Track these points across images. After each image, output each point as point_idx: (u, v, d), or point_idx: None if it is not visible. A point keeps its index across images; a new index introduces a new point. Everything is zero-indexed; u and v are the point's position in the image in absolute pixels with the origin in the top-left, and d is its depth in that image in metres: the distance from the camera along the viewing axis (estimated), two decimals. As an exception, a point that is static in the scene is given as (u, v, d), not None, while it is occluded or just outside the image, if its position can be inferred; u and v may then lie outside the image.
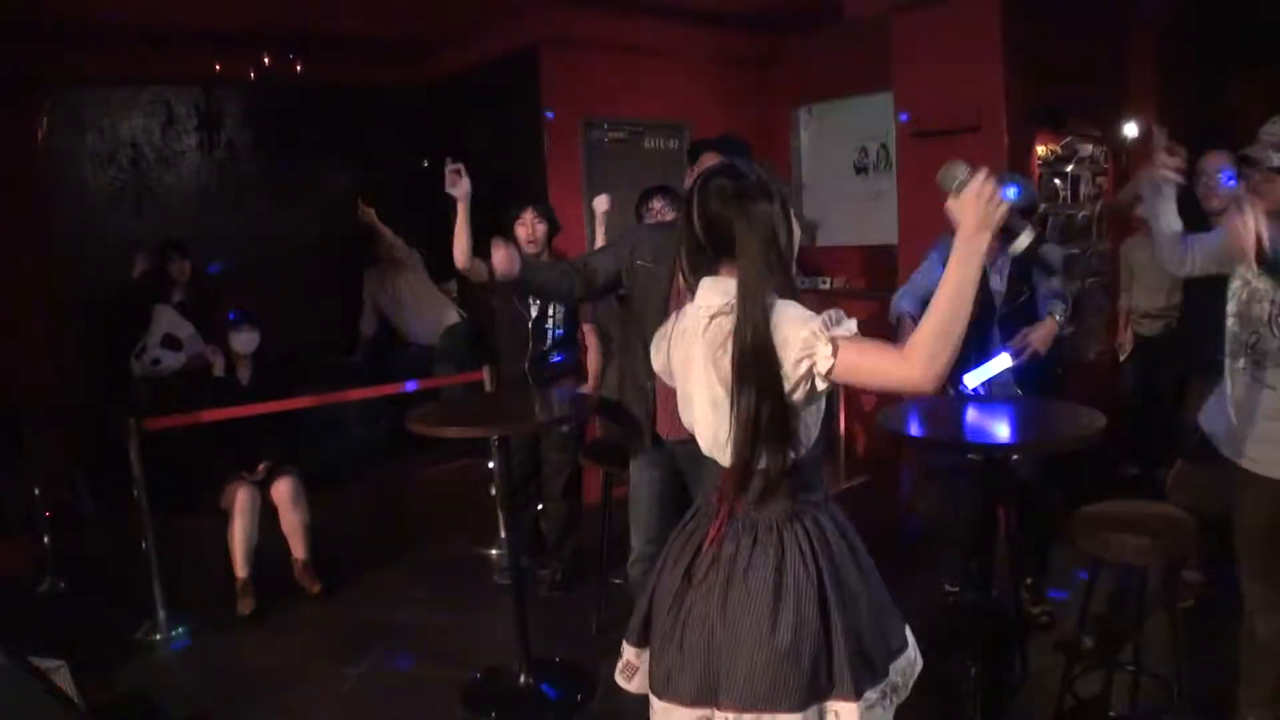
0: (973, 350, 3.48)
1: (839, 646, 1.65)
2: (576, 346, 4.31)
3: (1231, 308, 2.58)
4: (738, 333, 1.65)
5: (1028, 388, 3.52)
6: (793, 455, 1.69)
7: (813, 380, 1.64)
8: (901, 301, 3.59)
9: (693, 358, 1.76)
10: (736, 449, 1.69)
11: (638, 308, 3.06)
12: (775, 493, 1.72)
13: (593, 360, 4.31)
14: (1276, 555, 2.54)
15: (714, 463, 1.79)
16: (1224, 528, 2.63)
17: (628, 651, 1.92)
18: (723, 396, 1.69)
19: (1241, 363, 2.56)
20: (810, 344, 1.61)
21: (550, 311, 4.18)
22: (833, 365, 1.61)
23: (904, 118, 5.07)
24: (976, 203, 1.57)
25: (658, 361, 1.93)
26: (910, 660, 1.83)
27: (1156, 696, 2.87)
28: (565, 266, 3.08)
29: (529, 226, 4.07)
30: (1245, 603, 2.61)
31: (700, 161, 2.97)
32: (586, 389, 4.23)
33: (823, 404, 1.74)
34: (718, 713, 1.67)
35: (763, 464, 1.69)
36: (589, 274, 2.98)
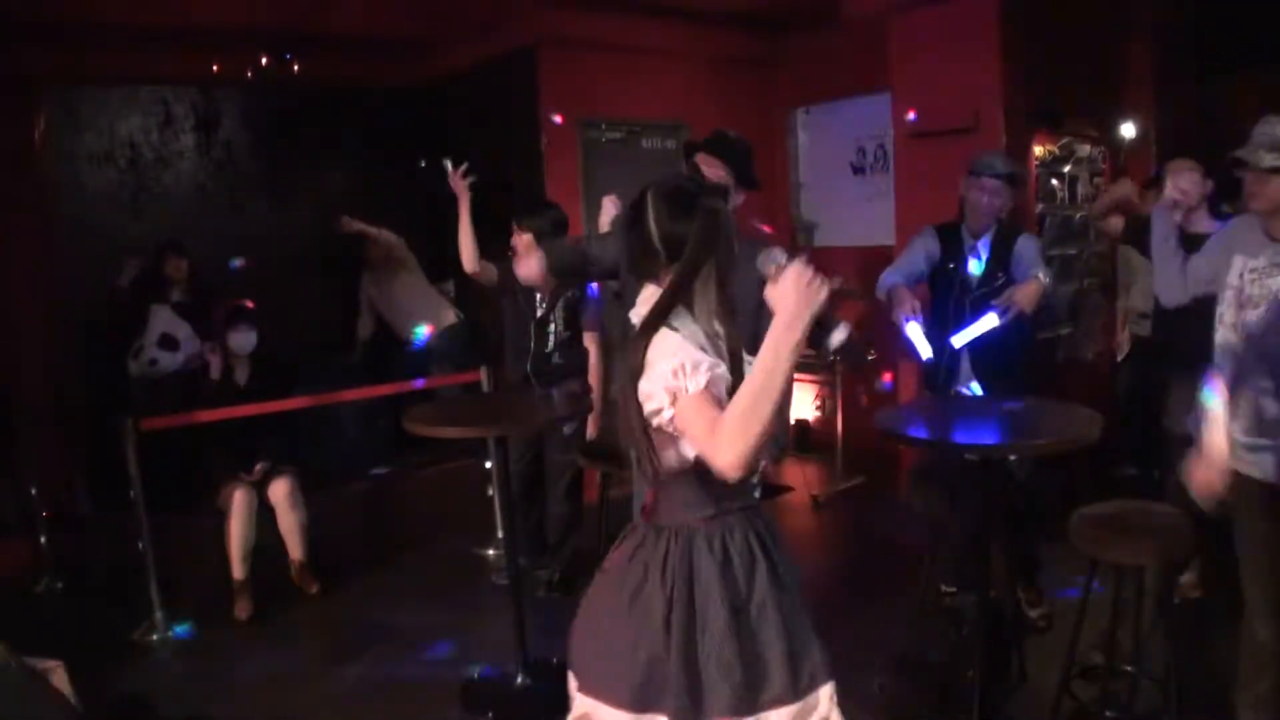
0: (938, 323, 3.53)
1: (673, 667, 1.68)
2: (579, 348, 4.31)
3: (1227, 318, 2.59)
4: (630, 345, 1.69)
5: (993, 385, 3.52)
6: (657, 471, 1.71)
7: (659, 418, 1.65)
8: (892, 277, 3.57)
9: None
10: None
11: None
12: (660, 505, 1.78)
13: (594, 368, 4.29)
14: (1277, 559, 2.55)
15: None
16: (1224, 530, 2.63)
17: None
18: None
19: None
20: (659, 389, 1.62)
21: (553, 314, 4.19)
22: (671, 417, 1.62)
23: (913, 117, 5.05)
24: (795, 288, 1.56)
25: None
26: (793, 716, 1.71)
27: (1153, 699, 2.87)
28: (573, 248, 3.14)
29: (515, 238, 4.09)
30: (1246, 605, 2.62)
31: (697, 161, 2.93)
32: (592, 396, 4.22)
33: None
34: None
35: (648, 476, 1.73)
36: (591, 257, 3.00)
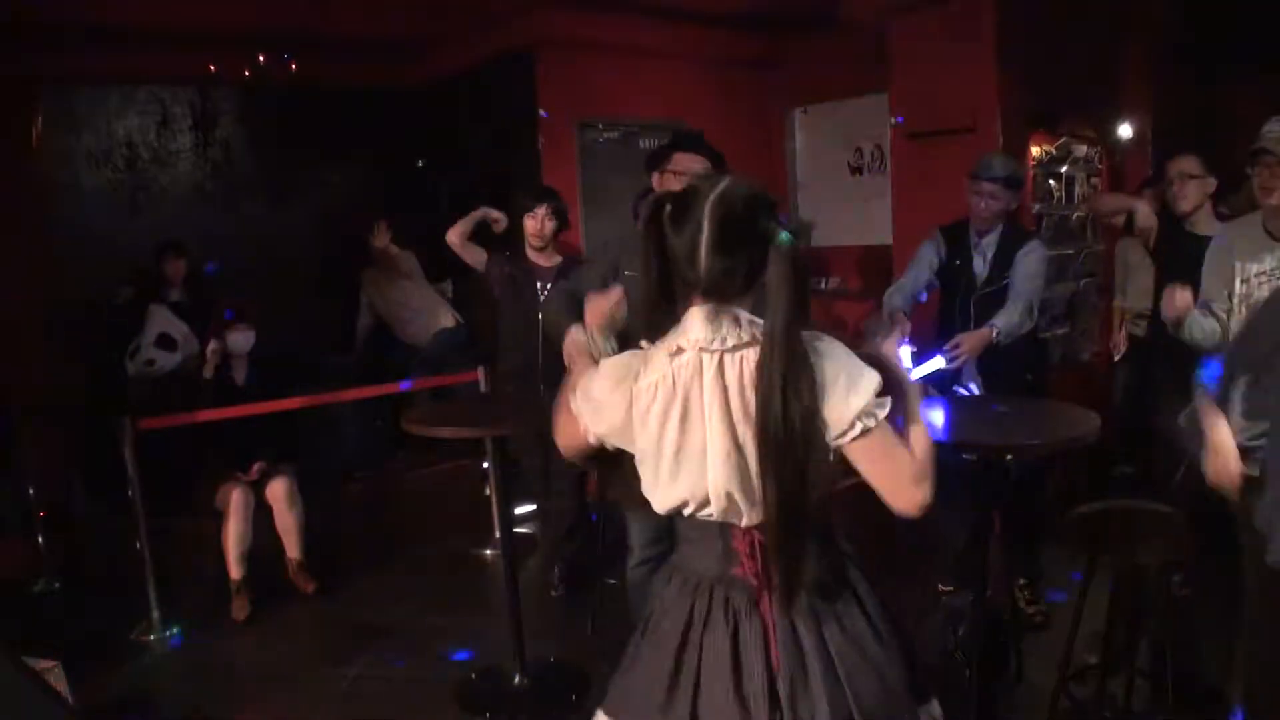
0: (946, 323, 3.62)
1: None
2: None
3: (1233, 325, 2.60)
4: (785, 374, 1.42)
5: (996, 390, 3.53)
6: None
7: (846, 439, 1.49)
8: (894, 298, 3.63)
9: (697, 405, 1.49)
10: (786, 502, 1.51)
11: (632, 321, 3.05)
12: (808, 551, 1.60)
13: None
14: None
15: (707, 531, 1.59)
16: (1220, 529, 2.63)
17: None
18: (750, 442, 1.48)
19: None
20: (859, 408, 1.45)
21: None
22: (863, 439, 1.48)
23: (909, 118, 5.06)
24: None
25: (603, 421, 1.57)
26: None
27: (1150, 698, 2.88)
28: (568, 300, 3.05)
29: (539, 221, 4.07)
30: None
31: (675, 161, 2.92)
32: None
33: None
34: None
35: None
36: (581, 299, 2.93)
